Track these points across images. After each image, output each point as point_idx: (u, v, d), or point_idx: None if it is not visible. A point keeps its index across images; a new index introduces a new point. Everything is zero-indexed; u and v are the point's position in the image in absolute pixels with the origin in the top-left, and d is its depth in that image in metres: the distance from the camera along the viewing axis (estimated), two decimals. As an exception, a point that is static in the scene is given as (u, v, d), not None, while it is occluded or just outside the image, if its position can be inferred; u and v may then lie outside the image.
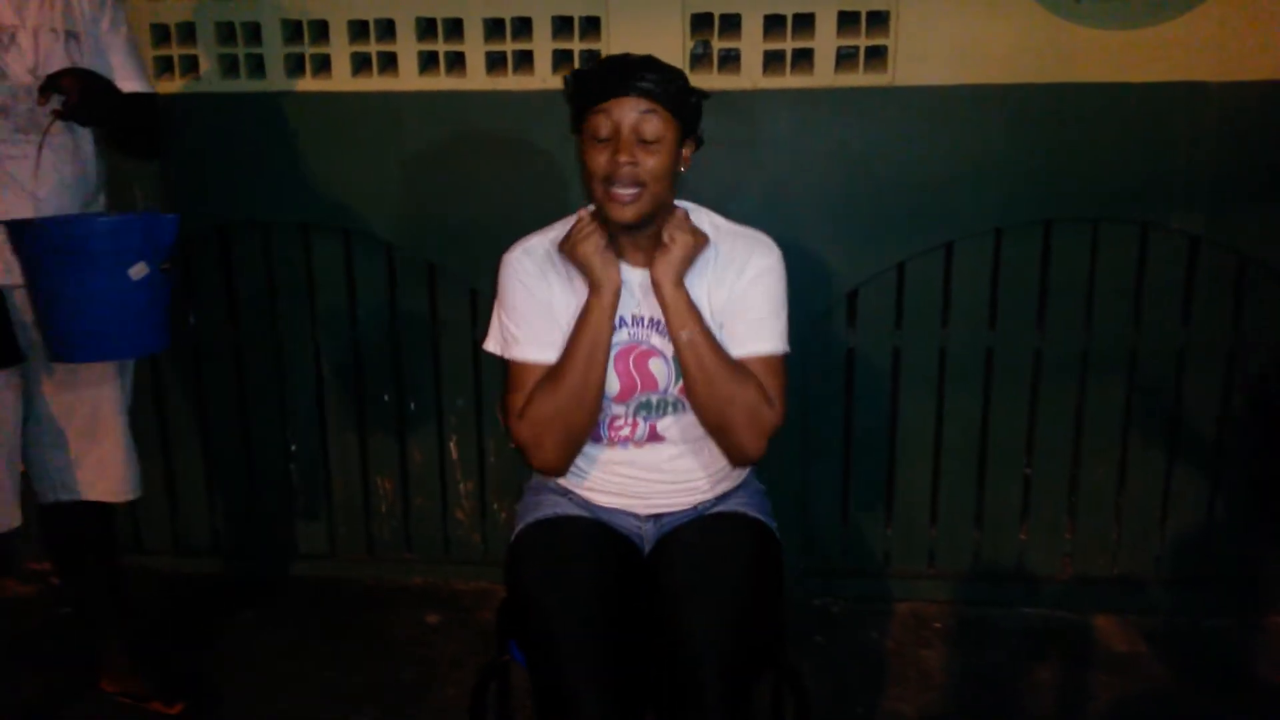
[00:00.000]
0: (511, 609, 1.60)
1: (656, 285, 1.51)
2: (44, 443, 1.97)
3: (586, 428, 1.54)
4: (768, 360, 1.55)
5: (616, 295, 1.52)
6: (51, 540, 2.11)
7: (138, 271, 1.68)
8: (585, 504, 1.64)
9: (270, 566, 2.66)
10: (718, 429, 1.53)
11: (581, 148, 1.51)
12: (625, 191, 1.46)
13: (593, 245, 1.49)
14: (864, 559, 2.51)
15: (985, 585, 2.48)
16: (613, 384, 1.54)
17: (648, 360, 1.56)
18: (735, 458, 1.56)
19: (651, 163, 1.46)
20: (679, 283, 1.51)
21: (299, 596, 2.56)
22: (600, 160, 1.46)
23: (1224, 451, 2.36)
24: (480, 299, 2.42)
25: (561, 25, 2.25)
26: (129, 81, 1.90)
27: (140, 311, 1.72)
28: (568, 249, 1.52)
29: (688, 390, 1.53)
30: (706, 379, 1.49)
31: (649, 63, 1.47)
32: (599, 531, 1.58)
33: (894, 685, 2.19)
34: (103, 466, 2.00)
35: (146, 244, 1.70)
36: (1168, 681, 2.19)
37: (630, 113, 1.45)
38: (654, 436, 1.60)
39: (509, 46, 2.25)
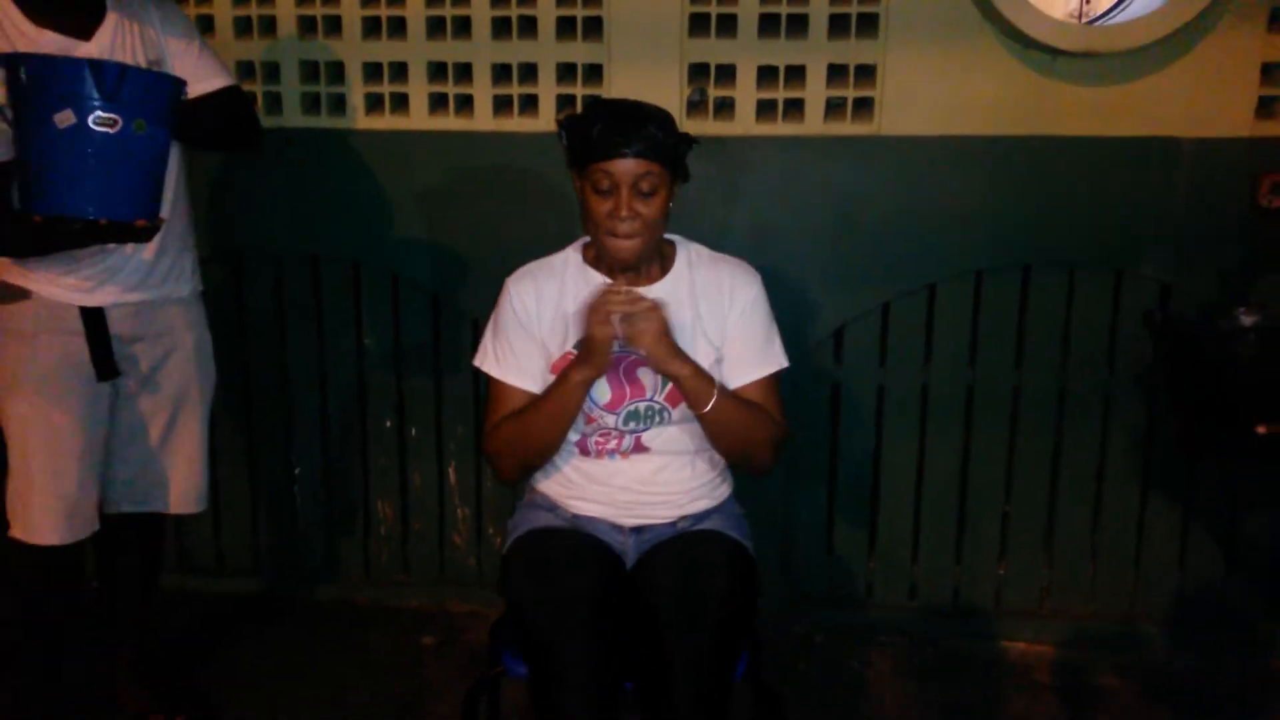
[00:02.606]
0: (506, 620, 1.70)
1: (662, 371, 1.61)
2: (116, 454, 2.02)
3: (544, 460, 1.72)
4: (768, 382, 1.72)
5: (600, 375, 1.63)
6: (104, 547, 2.12)
7: (62, 119, 1.59)
8: (572, 518, 1.74)
9: (270, 587, 2.72)
10: (740, 459, 1.71)
11: (580, 189, 1.65)
12: (625, 243, 1.61)
13: (609, 333, 1.58)
14: (847, 590, 2.58)
15: (965, 618, 2.55)
16: (604, 393, 1.66)
17: (636, 369, 1.68)
18: (753, 473, 1.73)
19: (648, 211, 1.61)
20: (677, 357, 1.59)
21: (298, 616, 2.63)
22: (602, 210, 1.60)
23: (1196, 490, 2.44)
24: (480, 328, 2.51)
25: (565, 71, 2.36)
26: (209, 81, 1.94)
27: (89, 166, 1.62)
28: (591, 318, 1.58)
29: (712, 441, 1.68)
30: (731, 431, 1.66)
31: (645, 118, 1.60)
32: (586, 544, 1.67)
33: (874, 714, 2.25)
34: (172, 477, 2.07)
35: (86, 92, 1.59)
36: (1141, 716, 2.25)
37: (629, 170, 1.59)
38: (639, 448, 1.70)
39: (515, 90, 2.36)
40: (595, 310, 1.56)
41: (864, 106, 2.31)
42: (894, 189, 2.33)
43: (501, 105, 2.39)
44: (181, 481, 2.09)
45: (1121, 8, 2.47)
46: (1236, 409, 1.79)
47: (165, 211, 1.85)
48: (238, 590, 2.72)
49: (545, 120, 2.36)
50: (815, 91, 2.30)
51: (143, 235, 1.76)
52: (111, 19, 1.84)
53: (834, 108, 2.32)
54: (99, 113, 1.60)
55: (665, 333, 1.58)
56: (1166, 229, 2.29)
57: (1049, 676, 2.39)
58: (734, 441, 1.67)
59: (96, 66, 1.61)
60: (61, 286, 1.86)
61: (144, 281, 1.94)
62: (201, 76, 1.93)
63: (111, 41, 1.83)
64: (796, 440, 2.47)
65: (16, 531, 1.93)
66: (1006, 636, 2.52)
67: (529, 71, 2.36)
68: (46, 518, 1.91)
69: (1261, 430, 1.74)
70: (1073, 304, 2.39)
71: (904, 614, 2.56)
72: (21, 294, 1.86)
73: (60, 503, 1.91)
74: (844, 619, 2.57)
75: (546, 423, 1.64)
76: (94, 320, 1.89)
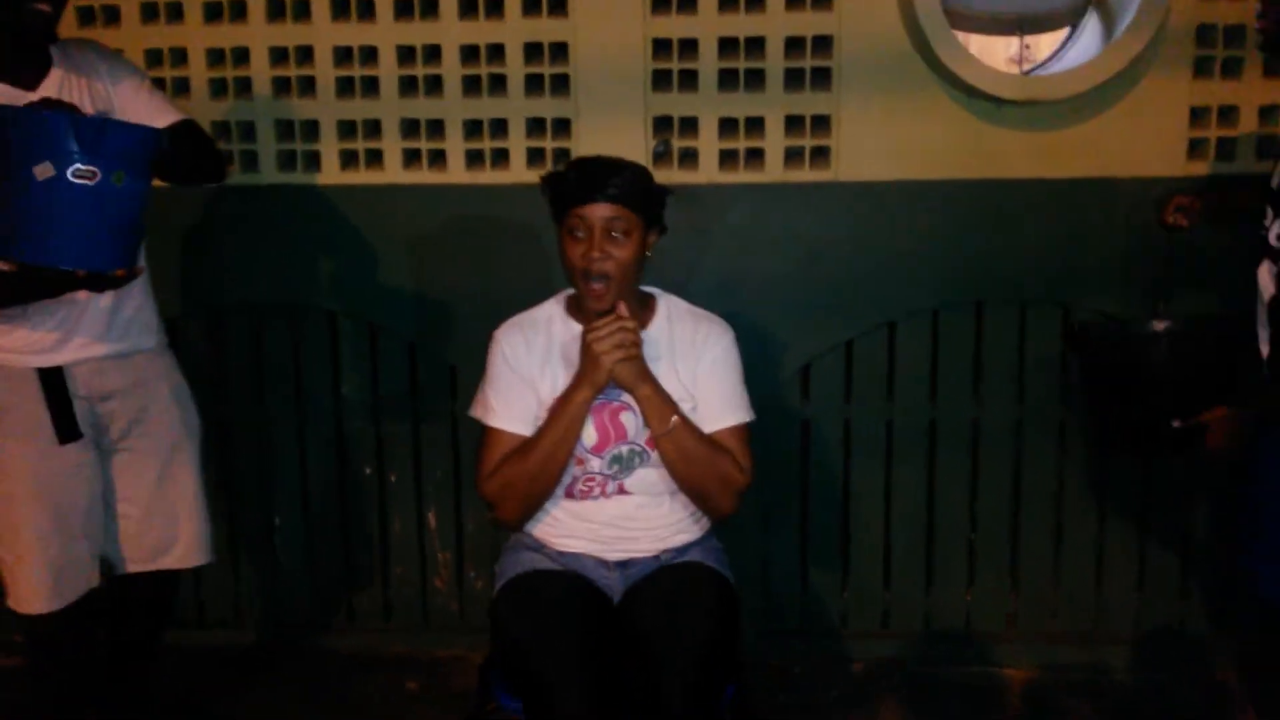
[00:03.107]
0: (494, 660, 1.75)
1: (629, 391, 1.70)
2: (112, 513, 2.02)
3: (546, 494, 1.76)
4: (737, 430, 1.78)
5: (598, 393, 1.71)
6: (116, 605, 2.12)
7: (41, 172, 1.61)
8: (558, 556, 1.80)
9: (252, 638, 2.73)
10: (698, 496, 1.76)
11: (561, 239, 1.74)
12: (599, 285, 1.70)
13: (616, 358, 1.66)
14: (822, 620, 2.65)
15: (935, 644, 2.62)
16: (590, 437, 1.73)
17: (619, 414, 1.76)
18: (711, 515, 1.80)
19: (620, 254, 1.70)
20: (644, 378, 1.69)
21: (281, 667, 2.63)
22: (577, 253, 1.70)
23: (1150, 513, 2.55)
24: (459, 374, 2.58)
25: (534, 125, 2.45)
26: (163, 118, 1.93)
27: (66, 217, 1.63)
28: (595, 345, 1.66)
29: (670, 470, 1.73)
30: (686, 461, 1.71)
31: (618, 168, 1.71)
32: (574, 581, 1.74)
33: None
34: (175, 532, 2.06)
35: (66, 145, 1.61)
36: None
37: (601, 214, 1.68)
38: (621, 490, 1.78)
39: (487, 144, 2.44)
40: (604, 334, 1.66)
41: (821, 154, 2.42)
42: (852, 231, 2.43)
43: (474, 159, 2.47)
44: (185, 534, 2.08)
45: (1059, 56, 2.63)
46: (1153, 406, 1.90)
47: (141, 260, 1.88)
48: (219, 642, 2.71)
49: (516, 173, 2.45)
50: (774, 141, 2.41)
51: (120, 284, 1.77)
52: (57, 72, 1.85)
53: (792, 156, 2.43)
54: (78, 165, 1.62)
55: (636, 356, 1.68)
56: (1109, 263, 2.41)
57: (1018, 699, 2.46)
58: (694, 474, 1.72)
59: (77, 120, 1.65)
60: (18, 352, 1.86)
61: (105, 334, 1.93)
62: (155, 116, 1.93)
63: (58, 93, 1.84)
64: (769, 475, 2.55)
65: (9, 601, 1.94)
66: (976, 661, 2.59)
67: (499, 126, 2.45)
68: (33, 588, 1.91)
69: (1177, 424, 1.86)
70: (1025, 337, 2.50)
71: (877, 642, 2.63)
72: None
73: (46, 572, 1.91)
74: (820, 649, 2.63)
75: (552, 447, 1.70)
76: (52, 380, 1.88)
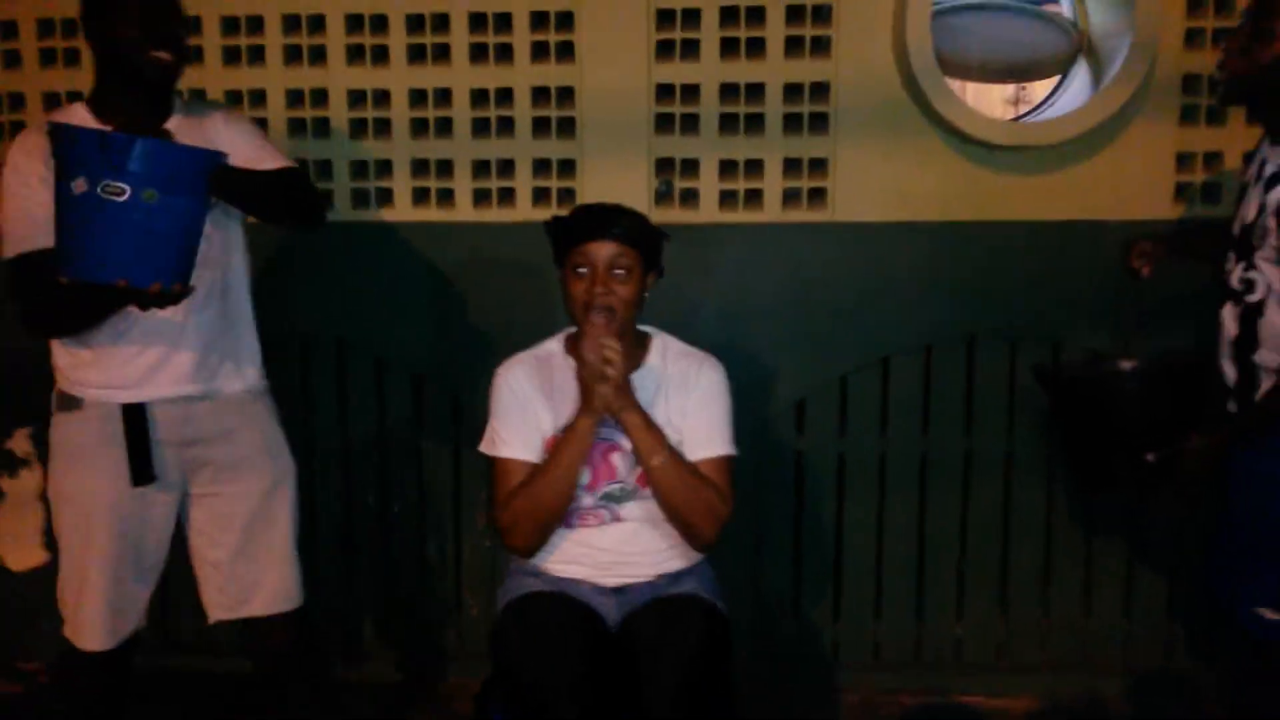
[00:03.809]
0: (494, 682, 1.81)
1: (615, 416, 1.77)
2: (199, 557, 2.03)
3: (555, 520, 1.82)
4: (720, 461, 1.85)
5: (598, 419, 1.78)
6: (247, 649, 2.16)
7: (77, 186, 1.64)
8: (556, 582, 1.87)
9: (250, 664, 2.76)
10: (682, 525, 1.81)
11: (564, 279, 1.82)
12: (600, 318, 1.77)
13: (614, 382, 1.73)
14: (814, 651, 2.70)
15: (926, 674, 2.67)
16: (584, 475, 1.79)
17: (610, 454, 1.84)
18: (694, 544, 1.84)
19: (622, 291, 1.79)
20: (631, 406, 1.76)
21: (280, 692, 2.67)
22: (580, 289, 1.78)
23: (1136, 545, 2.61)
24: (462, 408, 2.64)
25: (540, 166, 2.53)
26: (269, 162, 1.95)
27: (98, 231, 1.66)
28: (592, 369, 1.73)
29: (657, 498, 1.80)
30: (671, 490, 1.78)
31: (621, 211, 1.80)
32: (572, 605, 1.81)
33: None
34: (262, 579, 2.03)
35: (95, 160, 1.64)
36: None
37: (606, 252, 1.77)
38: (617, 519, 1.86)
39: (494, 184, 2.52)
40: (589, 362, 1.72)
41: (818, 195, 2.49)
42: (848, 270, 2.51)
43: (481, 197, 2.54)
44: (272, 582, 2.04)
45: (1051, 102, 2.71)
46: (1128, 441, 1.96)
47: (197, 282, 1.82)
48: (219, 669, 2.71)
49: (522, 212, 2.52)
50: (773, 182, 2.48)
51: (162, 301, 1.75)
52: (176, 118, 1.91)
53: (790, 197, 2.50)
54: (106, 181, 1.64)
55: (622, 384, 1.75)
56: (1097, 302, 2.48)
57: (1008, 728, 2.52)
58: (680, 503, 1.79)
59: (105, 137, 1.66)
60: (104, 387, 1.89)
61: (195, 373, 1.93)
62: (262, 160, 1.95)
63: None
64: (763, 507, 2.61)
65: (66, 631, 1.96)
66: (966, 691, 2.64)
67: (506, 166, 2.52)
68: (93, 624, 1.93)
69: (1150, 458, 1.91)
70: (1015, 373, 2.56)
71: (869, 672, 2.68)
72: (75, 403, 1.90)
73: (107, 610, 1.93)
74: (813, 679, 2.68)
75: (559, 473, 1.77)
76: (134, 419, 1.89)
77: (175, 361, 1.91)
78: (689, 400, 1.87)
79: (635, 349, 1.89)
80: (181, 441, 1.94)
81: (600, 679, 1.65)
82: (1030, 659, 2.66)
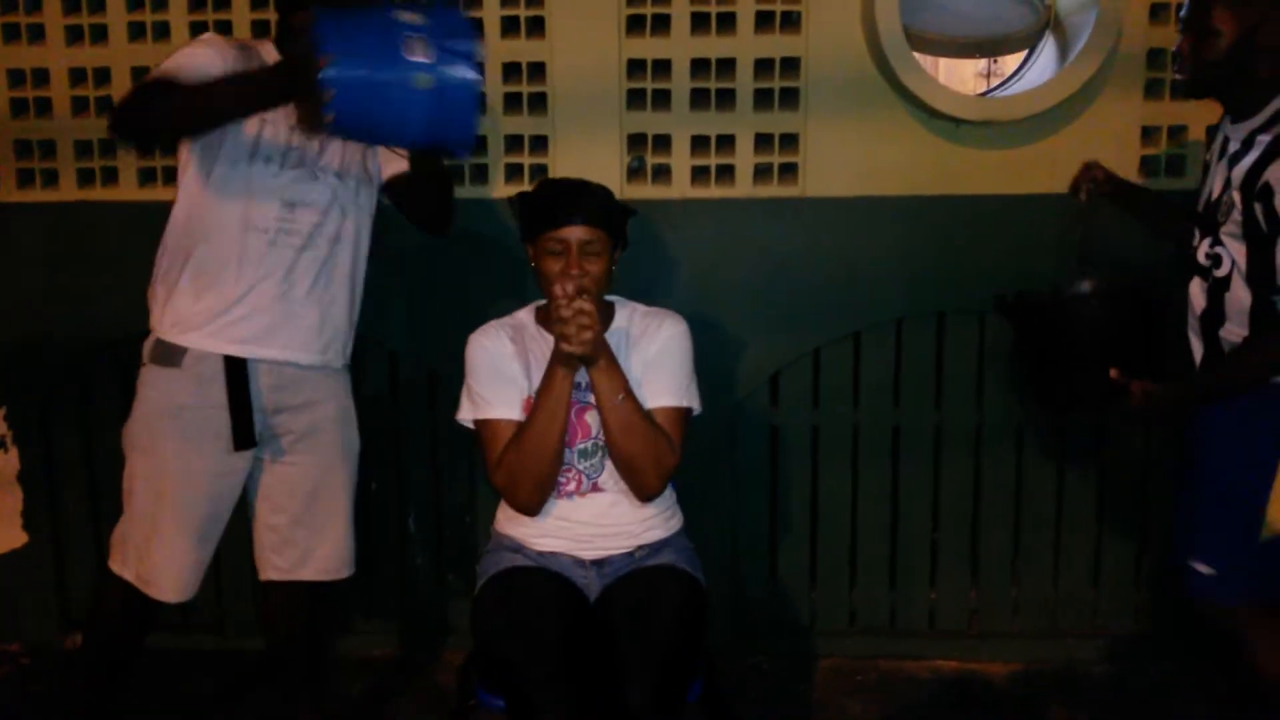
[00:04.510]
0: (475, 657, 1.84)
1: (587, 364, 1.80)
2: (261, 521, 2.08)
3: (552, 472, 1.84)
4: (674, 412, 1.88)
5: (572, 370, 1.81)
6: (262, 613, 2.23)
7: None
8: (536, 556, 1.89)
9: (234, 641, 2.79)
10: (628, 470, 1.84)
11: (534, 256, 1.85)
12: (572, 287, 1.78)
13: (590, 335, 1.74)
14: (791, 619, 2.75)
15: (901, 641, 2.73)
16: None
17: (584, 413, 1.88)
18: (638, 493, 1.87)
19: (594, 270, 1.83)
20: (602, 349, 1.79)
21: (261, 669, 2.69)
22: (554, 270, 1.81)
23: (1104, 513, 2.66)
24: (438, 381, 2.66)
25: (513, 142, 2.54)
26: (397, 166, 2.07)
27: (371, 94, 1.59)
28: (566, 325, 1.73)
29: (609, 440, 1.83)
30: (625, 431, 1.81)
31: (586, 190, 1.84)
32: (552, 579, 1.84)
33: (819, 731, 2.42)
34: (317, 545, 2.08)
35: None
36: (1061, 721, 2.45)
37: (578, 236, 1.82)
38: (595, 489, 1.89)
39: (467, 160, 2.52)
40: (571, 317, 1.73)
41: (789, 171, 2.51)
42: (819, 245, 2.53)
43: (454, 174, 2.54)
44: (327, 549, 2.09)
45: (1019, 76, 2.73)
46: (1091, 361, 1.99)
47: (334, 261, 1.99)
48: (204, 647, 2.77)
49: (495, 188, 2.53)
50: (744, 158, 2.50)
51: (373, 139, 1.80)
52: None
53: (762, 172, 2.53)
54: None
55: (598, 336, 1.76)
56: (1064, 274, 2.50)
57: (980, 692, 2.57)
58: (631, 448, 1.81)
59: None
60: (216, 337, 1.89)
61: (310, 343, 1.97)
62: (395, 165, 2.06)
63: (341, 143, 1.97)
64: (739, 479, 2.65)
65: (127, 574, 1.98)
66: (940, 656, 2.70)
67: (478, 143, 2.52)
68: (169, 577, 1.97)
69: (1114, 374, 1.95)
70: (984, 345, 2.60)
71: (845, 639, 2.73)
72: (175, 355, 1.90)
73: (187, 567, 1.98)
74: (790, 646, 2.73)
75: (546, 422, 1.79)
76: (237, 381, 1.90)
77: (294, 327, 1.94)
78: (649, 351, 1.91)
79: (603, 319, 1.92)
80: (274, 408, 1.98)
81: (579, 657, 1.67)
82: (1002, 626, 2.72)
